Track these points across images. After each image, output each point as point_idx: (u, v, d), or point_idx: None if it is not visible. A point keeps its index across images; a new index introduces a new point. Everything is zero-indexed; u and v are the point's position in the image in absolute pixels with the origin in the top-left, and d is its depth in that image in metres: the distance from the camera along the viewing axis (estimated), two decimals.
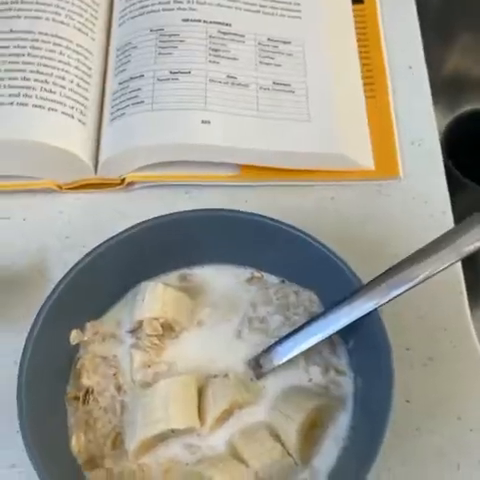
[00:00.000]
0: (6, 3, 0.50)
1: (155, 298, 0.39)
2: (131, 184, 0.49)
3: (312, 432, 0.37)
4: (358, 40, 0.53)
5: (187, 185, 0.49)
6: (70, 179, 0.48)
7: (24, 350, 0.36)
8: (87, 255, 0.39)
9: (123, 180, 0.48)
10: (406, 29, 0.55)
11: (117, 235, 0.40)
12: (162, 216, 0.41)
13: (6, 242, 0.47)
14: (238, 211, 0.41)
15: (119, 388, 0.38)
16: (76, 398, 0.38)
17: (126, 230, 0.40)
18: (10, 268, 0.46)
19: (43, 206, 0.49)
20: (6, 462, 0.40)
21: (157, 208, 0.47)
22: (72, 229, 0.48)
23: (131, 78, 0.49)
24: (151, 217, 0.42)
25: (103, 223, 0.48)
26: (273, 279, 0.42)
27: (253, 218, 0.40)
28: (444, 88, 0.69)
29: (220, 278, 0.42)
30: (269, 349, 0.38)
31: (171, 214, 0.41)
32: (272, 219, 0.39)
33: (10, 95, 0.46)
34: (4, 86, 0.47)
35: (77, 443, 0.37)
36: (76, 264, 0.39)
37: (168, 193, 0.49)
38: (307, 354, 0.38)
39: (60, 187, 0.48)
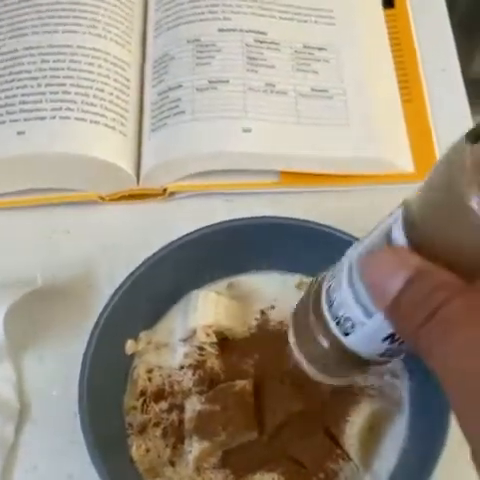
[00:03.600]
0: (42, 18, 0.51)
1: (208, 306, 0.40)
2: (172, 194, 0.49)
3: (370, 436, 0.37)
4: (391, 44, 0.54)
5: (227, 193, 0.50)
6: (112, 190, 0.48)
7: (83, 360, 0.37)
8: (139, 266, 0.39)
9: (165, 190, 0.49)
10: (438, 32, 0.55)
11: (167, 245, 0.40)
12: (210, 225, 0.41)
13: (50, 254, 0.48)
14: (286, 218, 0.41)
15: (175, 397, 0.39)
16: (134, 408, 0.39)
17: (176, 240, 0.40)
18: (55, 280, 0.47)
19: (86, 218, 0.49)
20: (63, 472, 0.41)
21: (199, 217, 0.48)
22: (115, 240, 0.48)
23: (170, 88, 0.49)
24: (196, 227, 0.42)
25: (146, 233, 0.48)
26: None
27: (304, 225, 0.40)
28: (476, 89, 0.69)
29: (268, 285, 0.43)
30: None
31: (219, 223, 0.41)
32: (325, 225, 0.39)
33: (52, 109, 0.47)
34: (46, 100, 0.47)
35: (137, 452, 0.38)
36: (130, 275, 0.39)
37: (209, 202, 0.50)
38: None
39: (103, 198, 0.49)
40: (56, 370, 0.43)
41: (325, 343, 0.29)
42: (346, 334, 0.28)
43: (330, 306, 0.28)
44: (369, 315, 0.26)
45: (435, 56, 0.54)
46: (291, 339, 0.32)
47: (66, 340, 0.44)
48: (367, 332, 0.27)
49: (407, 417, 0.37)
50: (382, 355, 0.28)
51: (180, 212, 0.49)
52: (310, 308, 0.30)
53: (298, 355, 0.32)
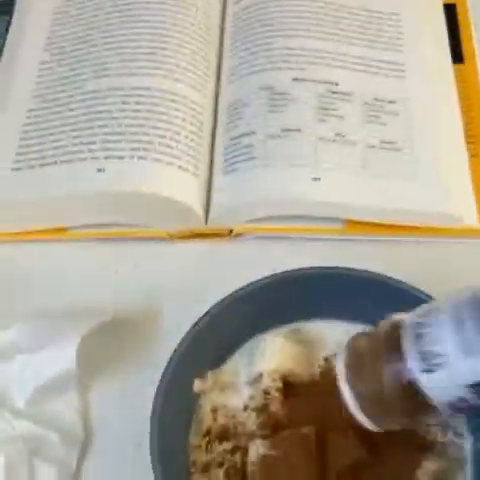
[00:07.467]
0: (125, 61, 0.53)
1: (275, 351, 0.41)
2: (238, 235, 0.50)
3: None
4: (460, 99, 0.54)
5: (291, 237, 0.51)
6: (181, 228, 0.50)
7: (155, 399, 0.38)
8: (212, 308, 0.41)
9: (231, 231, 0.50)
10: None
11: (240, 289, 0.42)
12: (283, 273, 0.43)
13: (117, 288, 0.49)
14: (356, 270, 0.42)
15: (239, 438, 0.40)
16: (198, 446, 0.40)
17: (248, 285, 0.42)
18: (121, 315, 0.48)
19: (154, 254, 0.51)
20: None
21: (262, 258, 0.49)
22: (182, 277, 0.50)
23: (243, 134, 0.51)
24: (259, 268, 0.44)
25: (210, 272, 0.50)
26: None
27: (375, 278, 0.41)
28: None
29: (332, 333, 0.44)
30: None
31: (291, 271, 0.43)
32: (396, 280, 0.40)
33: (131, 149, 0.49)
34: (126, 141, 0.49)
35: None
36: (204, 315, 0.41)
37: (272, 244, 0.51)
38: None
39: (171, 236, 0.50)
40: (121, 402, 0.44)
41: (392, 382, 0.30)
42: (428, 371, 0.28)
43: (417, 339, 0.29)
44: (469, 352, 0.26)
45: None
46: (343, 378, 0.33)
47: (131, 376, 0.45)
48: (455, 372, 0.27)
49: (470, 477, 0.37)
50: (453, 405, 0.28)
51: (245, 253, 0.51)
52: (382, 343, 0.31)
53: (348, 396, 0.33)
